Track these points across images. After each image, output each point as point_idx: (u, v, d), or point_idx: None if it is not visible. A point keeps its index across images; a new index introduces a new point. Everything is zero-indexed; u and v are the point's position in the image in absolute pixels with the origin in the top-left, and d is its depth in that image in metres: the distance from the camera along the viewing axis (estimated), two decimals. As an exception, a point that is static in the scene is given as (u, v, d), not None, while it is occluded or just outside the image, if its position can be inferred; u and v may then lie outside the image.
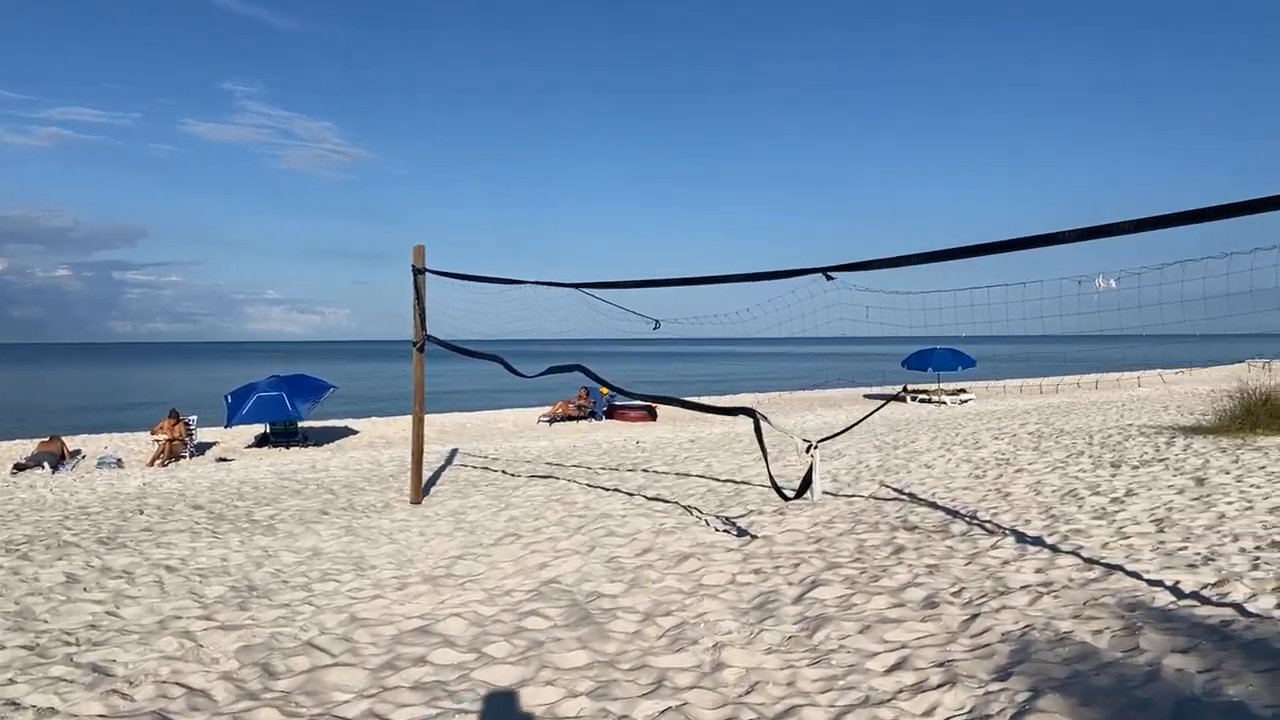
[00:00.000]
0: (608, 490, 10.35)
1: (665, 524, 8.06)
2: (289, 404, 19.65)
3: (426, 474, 11.78)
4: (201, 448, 19.40)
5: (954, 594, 5.46)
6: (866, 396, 32.17)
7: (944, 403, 27.12)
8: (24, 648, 5.13)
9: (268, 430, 20.80)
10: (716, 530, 7.70)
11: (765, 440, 6.99)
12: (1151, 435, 12.67)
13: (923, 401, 27.65)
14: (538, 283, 9.21)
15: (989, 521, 7.43)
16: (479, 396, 34.62)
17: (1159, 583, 5.35)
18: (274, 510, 9.88)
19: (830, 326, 6.64)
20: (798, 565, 6.32)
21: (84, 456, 18.11)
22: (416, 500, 10.14)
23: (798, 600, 5.52)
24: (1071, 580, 5.55)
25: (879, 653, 4.56)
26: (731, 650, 4.71)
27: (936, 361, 29.53)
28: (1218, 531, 6.55)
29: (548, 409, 25.43)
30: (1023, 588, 5.45)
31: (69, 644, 5.21)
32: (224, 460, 17.29)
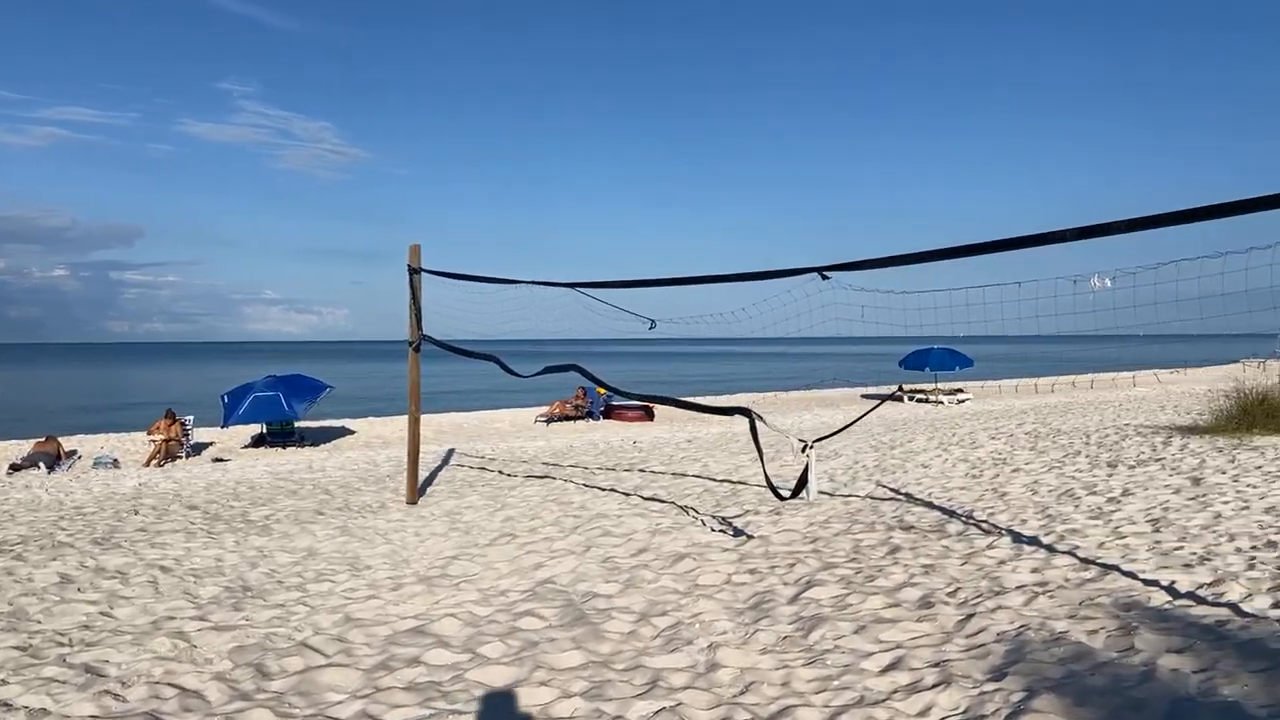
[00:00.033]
0: (604, 490, 10.33)
1: (661, 524, 8.05)
2: (285, 404, 19.61)
3: (423, 474, 11.77)
4: (198, 448, 19.36)
5: (949, 594, 5.45)
6: (864, 396, 32.16)
7: (941, 403, 27.13)
8: (17, 648, 5.11)
9: (264, 430, 20.76)
10: (712, 530, 7.69)
11: (762, 440, 6.98)
12: (1148, 435, 12.68)
13: (920, 401, 27.66)
14: (533, 282, 9.19)
15: (985, 521, 7.43)
16: (476, 397, 34.59)
17: (1155, 582, 5.35)
18: (269, 510, 9.86)
19: (826, 326, 6.63)
20: (793, 565, 6.31)
21: (80, 457, 18.07)
22: (412, 500, 10.13)
23: (793, 600, 5.52)
24: (1067, 580, 5.54)
25: (874, 653, 4.55)
26: (726, 650, 4.70)
27: (934, 361, 29.52)
28: (1214, 531, 6.55)
29: (545, 409, 25.41)
30: (1018, 588, 5.45)
31: (62, 645, 5.19)
32: (220, 460, 17.25)
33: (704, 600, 5.62)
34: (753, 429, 6.85)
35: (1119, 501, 7.84)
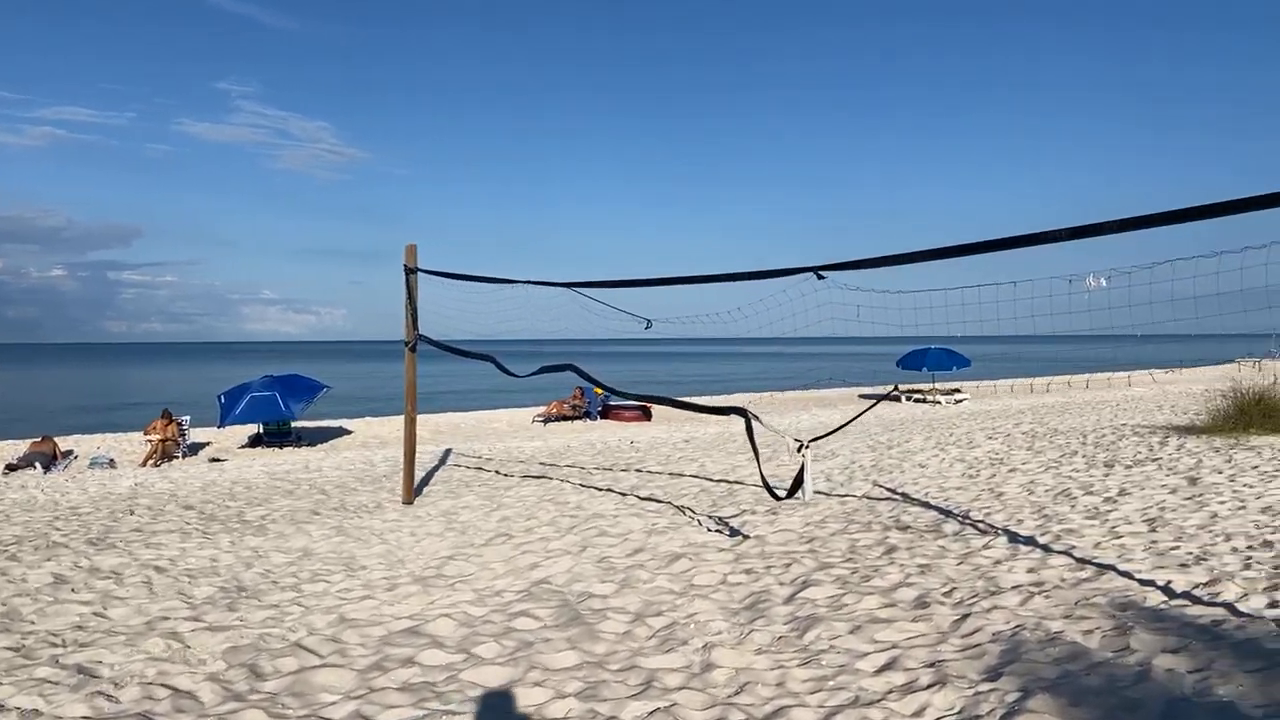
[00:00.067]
0: (601, 490, 10.32)
1: (658, 524, 8.04)
2: (282, 404, 19.60)
3: (419, 474, 11.76)
4: (195, 448, 19.34)
5: (945, 594, 5.44)
6: (861, 396, 32.17)
7: (939, 402, 27.14)
8: (9, 649, 5.10)
9: (261, 430, 20.74)
10: (709, 530, 7.68)
11: (759, 440, 6.98)
12: (1145, 435, 12.68)
13: (918, 401, 27.67)
14: (530, 282, 9.19)
15: (982, 521, 7.42)
16: (474, 397, 34.57)
17: (1151, 582, 5.34)
18: (265, 510, 9.84)
19: (822, 326, 6.63)
20: (789, 565, 6.30)
21: (76, 457, 18.05)
22: (408, 500, 10.11)
23: (789, 600, 5.51)
24: (1063, 580, 5.53)
25: (869, 653, 4.54)
26: (721, 651, 4.69)
27: (931, 361, 29.55)
28: (1210, 531, 6.54)
29: (542, 409, 25.40)
30: (1014, 588, 5.44)
31: (55, 645, 5.17)
32: (217, 460, 17.23)
33: (699, 600, 5.61)
34: (748, 429, 6.84)
35: (1115, 501, 7.83)
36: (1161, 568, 5.64)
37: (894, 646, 4.60)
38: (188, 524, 9.05)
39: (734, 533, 7.49)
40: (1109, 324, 5.12)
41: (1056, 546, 6.38)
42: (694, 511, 8.58)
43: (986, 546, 6.53)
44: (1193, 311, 4.75)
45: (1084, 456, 10.77)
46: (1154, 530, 6.69)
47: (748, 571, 6.24)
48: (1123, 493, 8.20)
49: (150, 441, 18.13)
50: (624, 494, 9.92)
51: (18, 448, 18.26)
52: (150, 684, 4.51)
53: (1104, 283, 5.03)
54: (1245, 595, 4.99)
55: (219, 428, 20.33)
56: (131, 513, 9.84)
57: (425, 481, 11.73)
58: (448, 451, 16.08)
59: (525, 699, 4.20)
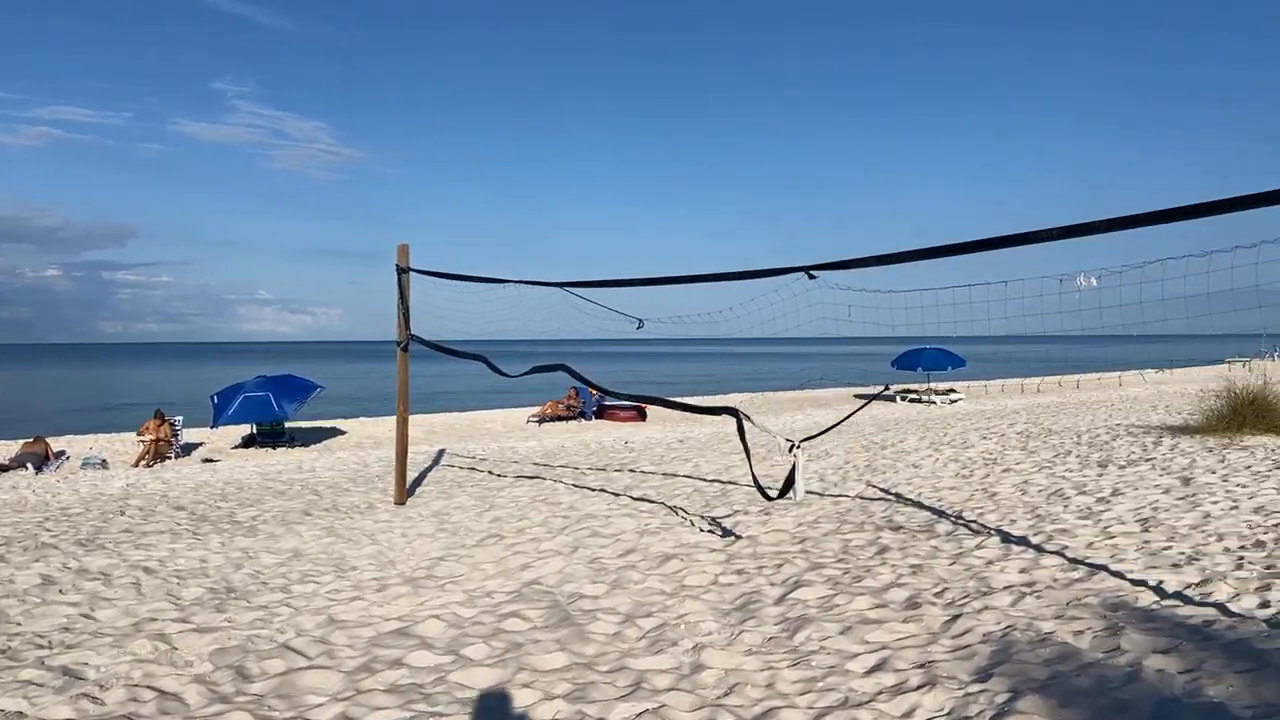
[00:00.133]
0: (594, 491, 10.30)
1: (650, 524, 8.02)
2: (275, 404, 19.56)
3: (412, 474, 11.73)
4: (188, 448, 19.29)
5: (937, 594, 5.43)
6: (857, 396, 32.18)
7: (934, 402, 27.15)
8: (-5, 651, 5.06)
9: (254, 431, 20.69)
10: (701, 531, 7.66)
11: (753, 440, 6.96)
12: (1139, 435, 12.68)
13: (913, 401, 27.69)
14: (521, 281, 9.17)
15: (975, 521, 7.41)
16: (468, 397, 34.54)
17: (1142, 583, 5.33)
18: (257, 511, 9.80)
19: (813, 326, 6.61)
20: (781, 566, 6.28)
21: (68, 457, 17.98)
22: (401, 501, 10.08)
23: (780, 601, 5.48)
24: (1055, 580, 5.52)
25: (859, 654, 4.52)
26: (711, 652, 4.67)
27: (926, 361, 29.58)
28: (1203, 531, 6.53)
29: (537, 409, 25.37)
30: (1006, 588, 5.43)
31: (41, 647, 5.13)
32: (210, 461, 17.18)
33: (690, 601, 5.59)
34: (740, 429, 6.82)
35: (1109, 501, 7.82)
36: (1154, 568, 5.62)
37: (884, 647, 4.58)
38: (178, 525, 9.01)
39: (726, 533, 7.46)
40: (1099, 324, 5.11)
41: (1049, 547, 6.37)
42: (687, 512, 8.56)
43: (979, 547, 6.52)
44: (1183, 311, 4.74)
45: (1078, 456, 10.76)
46: (1147, 530, 6.68)
47: (739, 572, 6.22)
48: (1116, 493, 8.19)
49: (143, 442, 18.08)
50: (617, 494, 9.90)
51: (10, 448, 18.20)
52: (136, 686, 4.47)
53: (1094, 282, 5.02)
54: (1237, 595, 4.97)
55: (212, 428, 20.28)
56: (122, 513, 9.79)
57: (418, 482, 11.69)
58: (441, 452, 16.04)
59: (514, 701, 4.17)
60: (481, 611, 5.58)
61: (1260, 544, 6.04)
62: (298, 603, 5.94)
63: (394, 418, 10.55)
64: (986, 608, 5.07)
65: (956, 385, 31.92)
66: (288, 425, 21.12)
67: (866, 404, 9.06)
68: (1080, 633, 4.54)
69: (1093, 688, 3.84)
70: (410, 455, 10.54)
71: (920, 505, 8.23)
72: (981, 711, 3.71)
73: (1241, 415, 11.83)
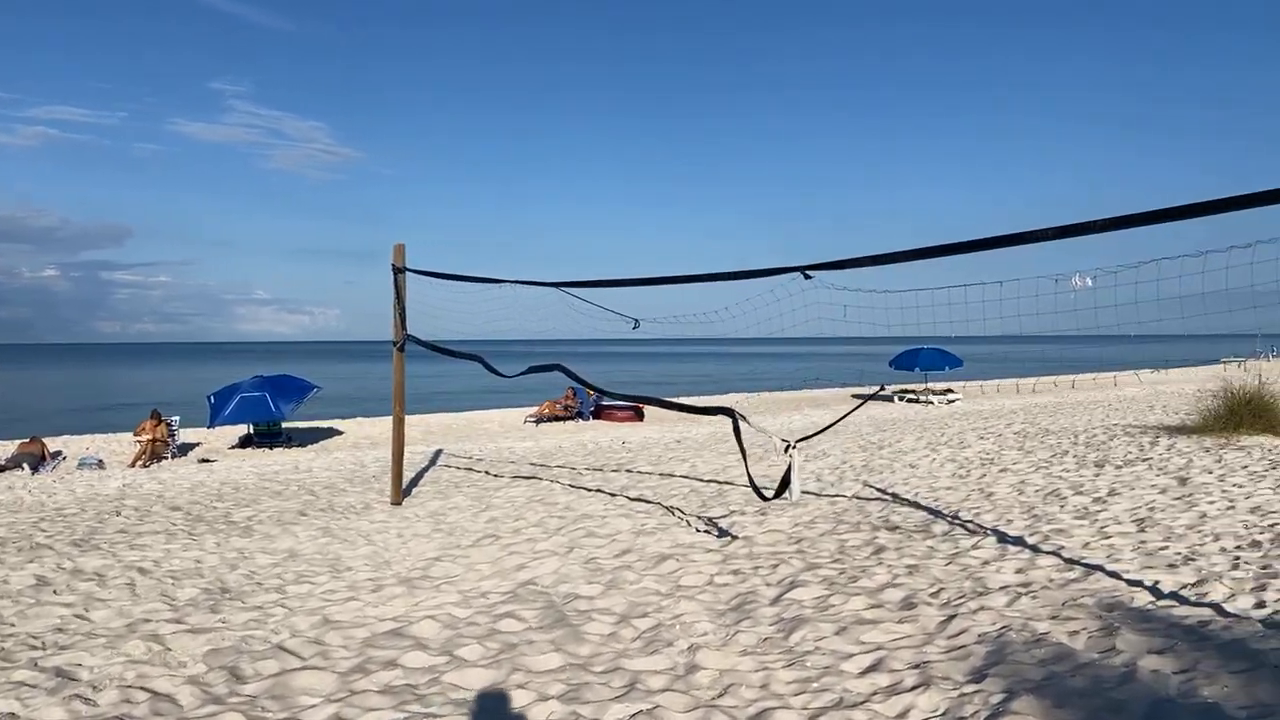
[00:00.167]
0: (590, 491, 10.29)
1: (646, 525, 8.01)
2: (272, 404, 19.53)
3: (409, 475, 11.71)
4: (184, 448, 19.26)
5: (932, 595, 5.42)
6: (854, 396, 32.19)
7: (931, 402, 27.16)
8: (-12, 652, 5.04)
9: (251, 431, 20.66)
10: (697, 531, 7.65)
11: (749, 441, 6.95)
12: (1136, 435, 12.69)
13: (910, 401, 27.70)
14: (518, 281, 9.16)
15: (971, 521, 7.40)
16: (465, 397, 34.51)
17: (1138, 583, 5.33)
18: (252, 512, 9.78)
19: (809, 326, 6.61)
20: (777, 566, 6.28)
21: (65, 457, 17.96)
22: (397, 501, 10.06)
23: (775, 601, 5.48)
24: (1051, 580, 5.52)
25: (855, 654, 4.52)
26: (706, 652, 4.66)
27: (924, 361, 29.59)
28: (1199, 531, 6.53)
29: (534, 409, 25.35)
30: (1002, 588, 5.42)
31: (34, 648, 5.11)
32: (206, 461, 17.16)
33: (685, 601, 5.58)
34: (736, 429, 6.81)
35: (1105, 501, 7.82)
36: (1150, 568, 5.62)
37: (879, 648, 4.58)
38: (174, 525, 8.99)
39: (722, 533, 7.46)
40: (1095, 324, 5.11)
41: (1045, 547, 6.36)
42: (683, 512, 8.55)
43: (975, 547, 6.52)
44: (1178, 311, 4.74)
45: (1075, 456, 10.77)
46: (1143, 530, 6.68)
47: (735, 572, 6.21)
48: (1112, 493, 8.19)
49: (140, 442, 18.05)
50: (613, 495, 9.89)
51: (6, 448, 18.16)
52: (129, 687, 4.46)
53: (1090, 282, 5.02)
54: (1232, 595, 4.97)
55: (208, 428, 20.26)
56: (118, 514, 9.77)
57: (415, 482, 11.67)
58: (438, 452, 16.03)
59: (508, 702, 4.16)
60: (476, 612, 5.57)
61: (1256, 544, 6.05)
62: (292, 603, 5.93)
63: (390, 418, 10.52)
64: (982, 608, 5.06)
65: (954, 385, 31.93)
66: (284, 425, 21.09)
67: (862, 404, 9.05)
68: (1076, 633, 4.54)
69: (1088, 688, 3.83)
70: (407, 456, 10.52)
71: (917, 505, 8.23)
72: (976, 712, 3.71)
73: (1238, 415, 11.84)
